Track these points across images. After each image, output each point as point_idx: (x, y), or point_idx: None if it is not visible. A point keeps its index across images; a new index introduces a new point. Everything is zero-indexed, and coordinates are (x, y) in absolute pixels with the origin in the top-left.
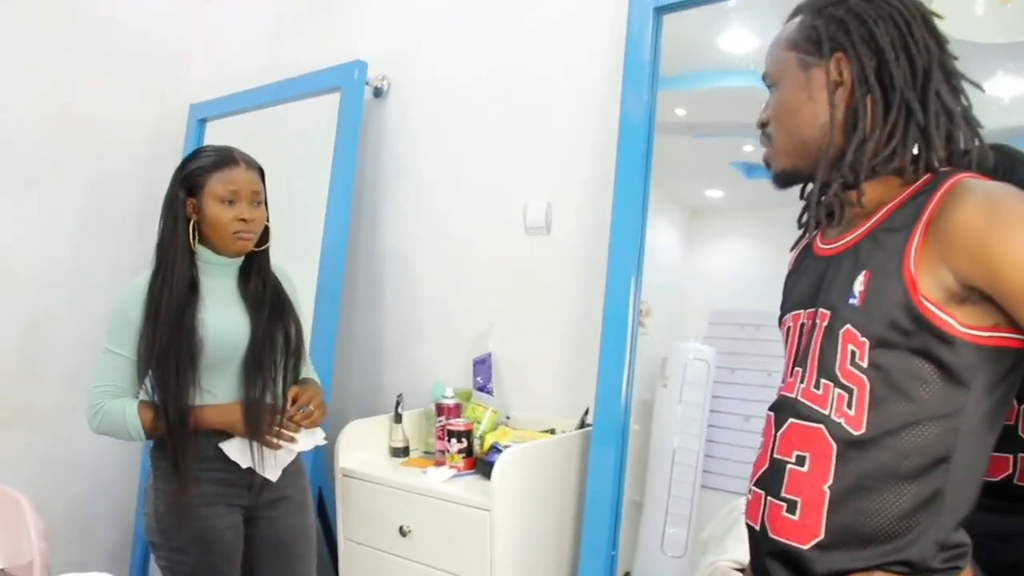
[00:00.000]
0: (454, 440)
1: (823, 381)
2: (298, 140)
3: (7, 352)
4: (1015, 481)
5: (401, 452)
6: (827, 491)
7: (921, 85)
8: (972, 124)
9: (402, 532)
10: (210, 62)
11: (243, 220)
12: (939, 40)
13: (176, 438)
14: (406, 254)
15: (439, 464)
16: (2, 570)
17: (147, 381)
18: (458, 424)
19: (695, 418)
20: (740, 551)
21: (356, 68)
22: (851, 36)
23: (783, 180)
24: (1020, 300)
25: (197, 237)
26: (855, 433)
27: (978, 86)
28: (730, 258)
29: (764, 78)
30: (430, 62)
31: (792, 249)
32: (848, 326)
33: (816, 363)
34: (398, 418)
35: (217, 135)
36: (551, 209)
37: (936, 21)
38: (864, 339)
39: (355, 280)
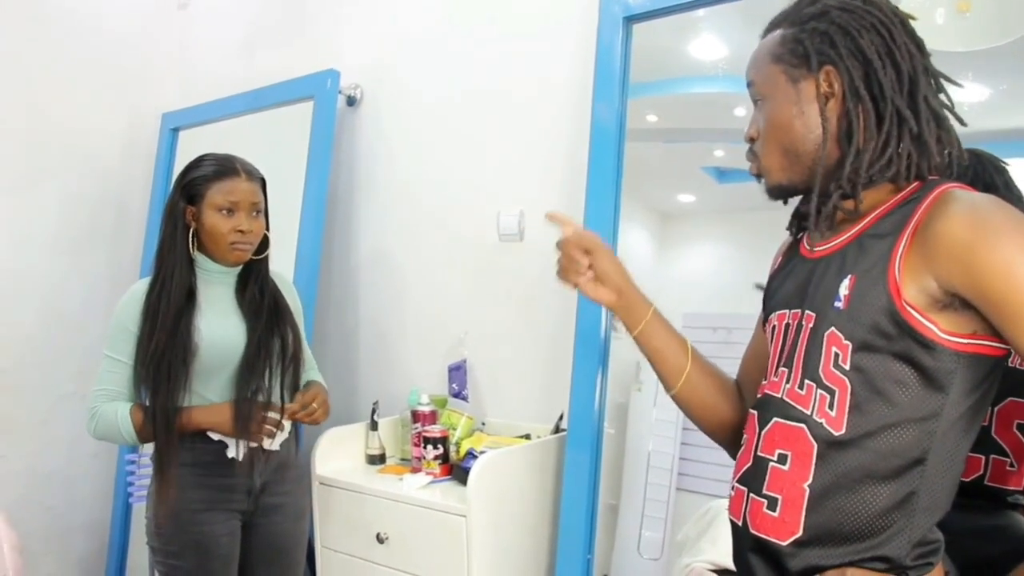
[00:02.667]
0: (430, 447)
1: (807, 382)
2: (272, 149)
3: None
4: (986, 482)
5: (377, 459)
6: (807, 489)
7: (909, 91)
8: (951, 126)
9: (379, 539)
10: (183, 71)
11: (241, 231)
12: (919, 44)
13: (161, 440)
14: (380, 262)
15: (415, 471)
16: None
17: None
18: (434, 431)
19: (670, 421)
20: (715, 552)
21: (329, 77)
22: (838, 48)
23: (778, 194)
24: (1002, 308)
25: (196, 245)
26: (836, 434)
27: (958, 84)
28: (702, 261)
29: (749, 87)
30: (403, 71)
31: (780, 252)
32: (832, 329)
33: (801, 364)
34: (374, 425)
35: (190, 144)
36: (524, 217)
37: (912, 24)
38: (847, 342)
39: (329, 288)
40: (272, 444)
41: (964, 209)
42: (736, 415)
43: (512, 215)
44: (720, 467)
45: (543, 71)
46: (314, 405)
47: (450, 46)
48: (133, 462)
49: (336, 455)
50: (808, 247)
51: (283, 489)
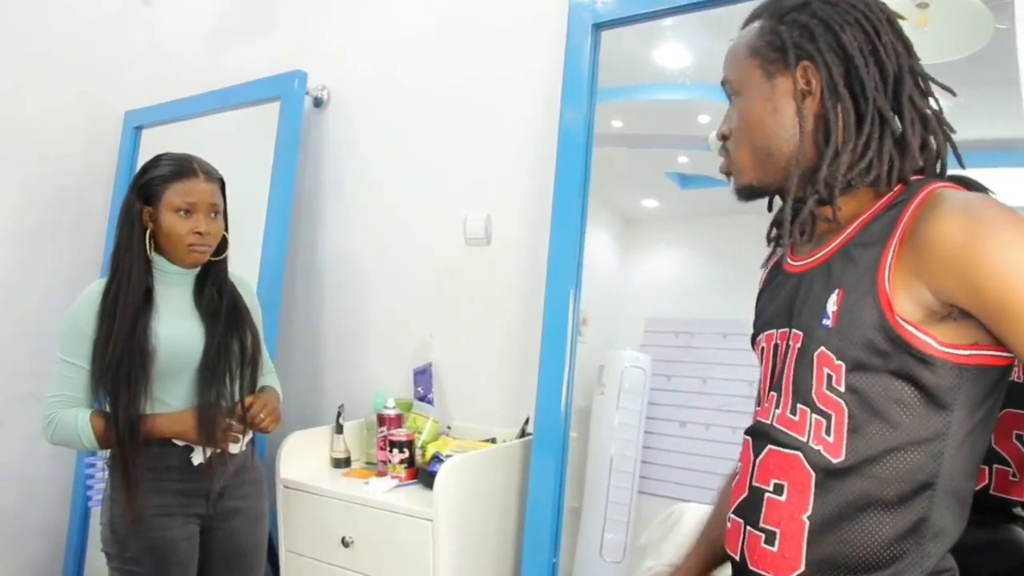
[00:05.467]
0: (396, 450)
1: (799, 406)
2: (237, 149)
3: None
4: (991, 492)
5: (343, 463)
6: (806, 521)
7: (893, 91)
8: (945, 128)
9: (344, 543)
10: (147, 68)
11: (199, 233)
12: (907, 43)
13: (125, 448)
14: (346, 264)
15: (381, 474)
16: None
17: (102, 392)
18: (399, 434)
19: (632, 425)
20: (678, 556)
21: (296, 78)
22: (818, 43)
23: (748, 194)
24: (1003, 315)
25: (153, 246)
26: (834, 461)
27: (950, 90)
28: (665, 266)
29: (723, 84)
30: (371, 74)
31: (762, 266)
32: (822, 348)
33: (791, 388)
34: (339, 429)
35: (153, 143)
36: (491, 221)
37: (900, 23)
38: (840, 362)
39: (294, 290)
40: (237, 448)
41: (954, 210)
42: None
43: (479, 219)
44: (682, 471)
45: (512, 76)
46: (261, 415)
47: (418, 49)
48: (92, 465)
49: (301, 458)
50: (791, 261)
51: (242, 493)
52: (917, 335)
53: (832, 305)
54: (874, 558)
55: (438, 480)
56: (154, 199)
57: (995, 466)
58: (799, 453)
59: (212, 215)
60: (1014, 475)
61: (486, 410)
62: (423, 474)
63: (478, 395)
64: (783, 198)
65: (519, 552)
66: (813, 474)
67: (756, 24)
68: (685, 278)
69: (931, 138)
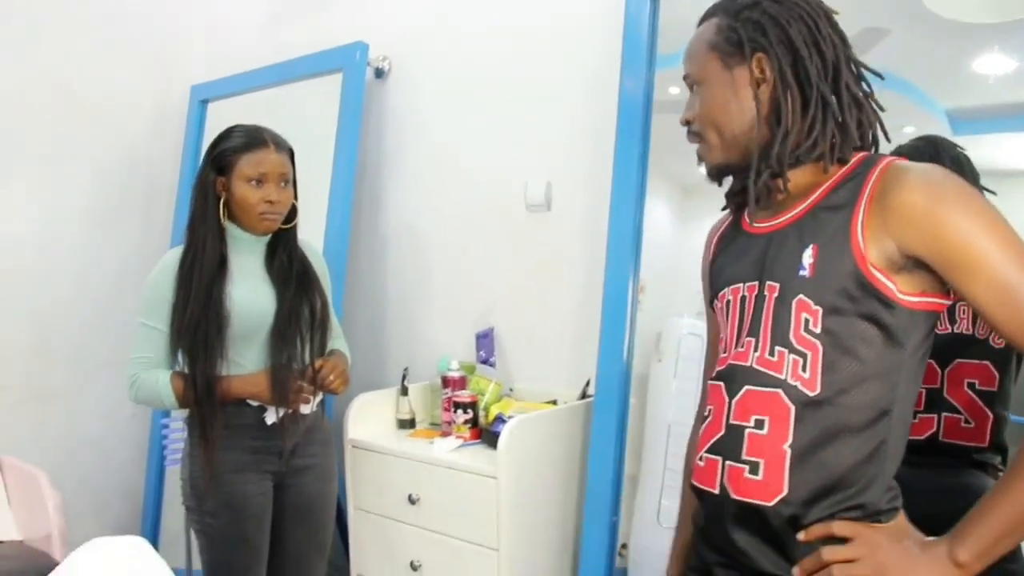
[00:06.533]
0: (460, 411)
1: (777, 348)
2: (301, 120)
3: (17, 334)
4: (940, 439)
5: (408, 424)
6: (788, 450)
7: (832, 78)
8: (874, 107)
9: (411, 500)
10: (211, 43)
11: (270, 202)
12: (842, 35)
13: (203, 408)
14: (409, 232)
15: (445, 435)
16: (21, 542)
17: (180, 353)
18: (463, 396)
19: (690, 392)
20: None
21: (357, 49)
22: (768, 37)
23: (718, 173)
24: (958, 265)
25: (226, 214)
26: (811, 394)
27: (878, 74)
28: None
29: (685, 78)
30: (431, 43)
31: (712, 234)
32: (801, 296)
33: (769, 332)
34: (404, 391)
35: (219, 116)
36: (551, 187)
37: (836, 17)
38: (817, 307)
39: (359, 258)
40: (308, 408)
41: (919, 179)
42: None
43: (539, 185)
44: None
45: (571, 42)
46: (331, 377)
47: (478, 18)
48: (167, 426)
49: (367, 419)
50: (755, 224)
51: (312, 451)
52: (884, 282)
53: (808, 258)
54: (847, 477)
55: (502, 440)
56: (227, 169)
57: (943, 414)
58: (779, 390)
59: (282, 184)
60: (967, 421)
61: (547, 373)
62: (486, 434)
63: (539, 358)
64: (744, 173)
65: (580, 509)
66: (792, 407)
67: (713, 21)
68: None
69: (864, 117)
